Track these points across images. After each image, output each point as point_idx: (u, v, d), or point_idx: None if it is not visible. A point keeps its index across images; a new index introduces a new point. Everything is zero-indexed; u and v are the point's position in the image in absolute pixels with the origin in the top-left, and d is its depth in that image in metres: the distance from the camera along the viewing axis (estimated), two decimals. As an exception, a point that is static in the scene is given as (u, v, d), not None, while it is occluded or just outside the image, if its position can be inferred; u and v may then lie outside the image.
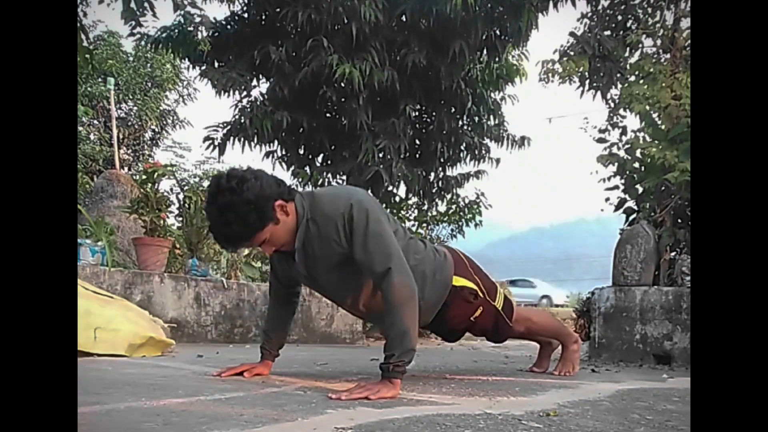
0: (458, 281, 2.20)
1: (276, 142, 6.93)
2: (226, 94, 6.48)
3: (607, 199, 4.47)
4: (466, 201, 7.68)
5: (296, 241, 1.88)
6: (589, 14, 5.99)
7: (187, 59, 6.83)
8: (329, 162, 7.00)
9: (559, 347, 2.73)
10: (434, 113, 7.06)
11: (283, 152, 7.05)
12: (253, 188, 1.77)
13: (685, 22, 5.01)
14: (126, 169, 11.07)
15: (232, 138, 6.55)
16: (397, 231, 2.00)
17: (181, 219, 5.64)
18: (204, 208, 1.88)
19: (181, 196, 6.13)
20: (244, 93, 6.70)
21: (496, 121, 7.60)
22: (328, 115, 6.78)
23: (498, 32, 6.50)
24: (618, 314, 3.61)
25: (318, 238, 1.88)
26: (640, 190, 4.18)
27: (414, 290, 1.82)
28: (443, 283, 2.14)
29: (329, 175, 6.88)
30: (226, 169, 1.90)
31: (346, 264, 1.90)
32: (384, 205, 7.16)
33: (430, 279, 2.09)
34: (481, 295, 2.23)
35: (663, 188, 4.00)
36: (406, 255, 1.96)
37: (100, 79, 11.36)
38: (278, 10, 6.07)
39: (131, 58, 12.33)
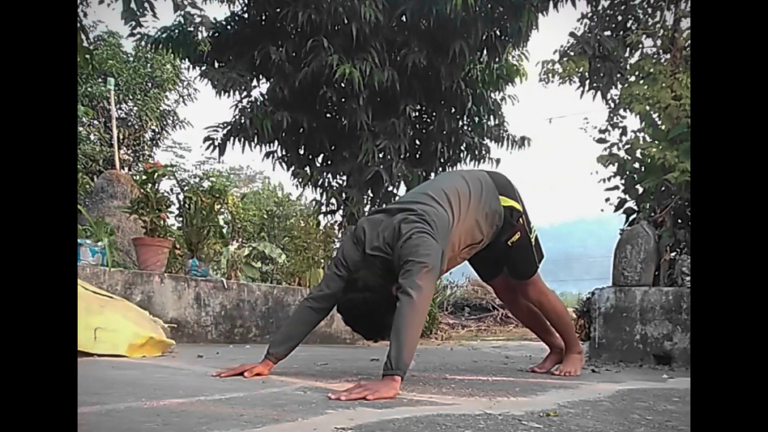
0: (506, 201, 2.29)
1: (276, 143, 6.92)
2: (226, 94, 6.48)
3: (607, 200, 4.47)
4: (466, 201, 7.67)
5: None
6: (589, 14, 5.98)
7: (187, 59, 6.83)
8: (329, 162, 7.00)
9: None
10: (434, 113, 7.06)
11: (284, 152, 7.05)
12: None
13: (685, 23, 5.01)
14: (126, 169, 11.06)
15: (232, 138, 6.54)
16: (449, 202, 2.12)
17: (181, 219, 5.64)
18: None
19: (181, 197, 6.12)
20: (244, 93, 6.70)
21: (496, 122, 7.60)
22: (328, 115, 6.78)
23: (498, 32, 6.50)
24: (618, 314, 3.60)
25: None
26: (640, 190, 4.18)
27: (429, 295, 1.89)
28: (498, 213, 2.26)
29: (329, 175, 6.88)
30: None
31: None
32: (384, 206, 7.14)
33: (491, 218, 2.24)
34: (521, 221, 2.33)
35: (663, 188, 4.00)
36: (466, 216, 2.15)
37: (100, 80, 11.34)
38: (278, 10, 6.07)
39: (131, 59, 12.31)
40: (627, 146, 4.41)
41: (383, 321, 1.88)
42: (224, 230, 5.78)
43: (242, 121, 6.41)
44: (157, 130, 13.00)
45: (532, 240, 2.39)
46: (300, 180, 6.96)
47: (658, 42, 5.21)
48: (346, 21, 5.83)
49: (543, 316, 2.70)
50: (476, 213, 2.19)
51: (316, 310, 2.18)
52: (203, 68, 6.56)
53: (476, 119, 7.45)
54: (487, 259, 2.45)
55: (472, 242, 2.22)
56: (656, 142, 4.07)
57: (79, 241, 3.93)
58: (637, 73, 4.93)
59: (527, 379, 2.40)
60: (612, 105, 5.65)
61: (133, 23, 5.03)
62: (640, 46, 5.35)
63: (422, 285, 1.82)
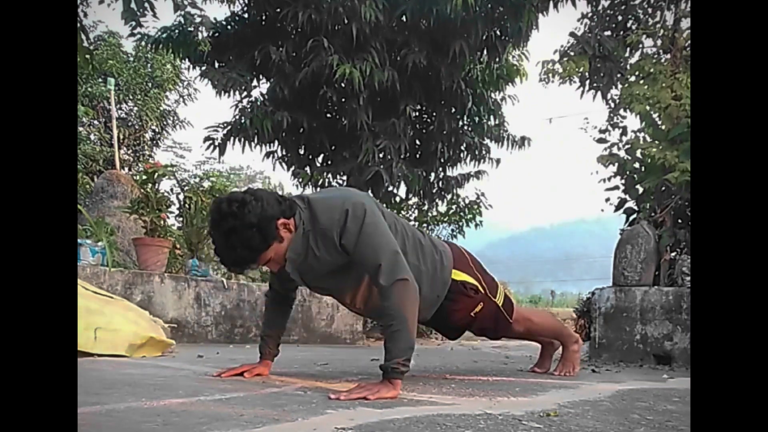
0: (459, 276, 2.20)
1: (276, 143, 6.93)
2: (227, 94, 6.48)
3: (608, 200, 4.47)
4: (467, 201, 7.69)
5: (288, 251, 1.88)
6: (590, 14, 5.99)
7: (187, 59, 6.83)
8: (329, 162, 7.00)
9: (560, 347, 2.73)
10: (434, 113, 7.06)
11: (284, 152, 7.05)
12: (254, 210, 1.78)
13: (685, 23, 5.02)
14: (126, 169, 11.05)
15: (232, 138, 6.55)
16: (396, 229, 2.00)
17: (181, 219, 5.64)
18: (208, 233, 1.90)
19: (181, 197, 6.12)
20: (245, 93, 6.70)
21: (497, 122, 7.60)
22: (328, 115, 6.78)
23: (498, 32, 6.51)
24: (618, 314, 3.60)
25: (314, 249, 1.90)
26: (641, 190, 4.18)
27: (413, 287, 1.82)
28: (443, 281, 2.15)
29: (329, 175, 6.88)
30: (227, 193, 1.92)
31: (341, 269, 1.94)
32: (384, 206, 7.16)
33: (430, 276, 2.10)
34: (482, 290, 2.24)
35: (663, 188, 4.00)
36: (407, 253, 1.97)
37: (100, 80, 11.34)
38: (278, 10, 6.07)
39: (131, 59, 12.30)
40: (627, 146, 4.41)
41: None
42: (224, 230, 5.76)
43: (242, 121, 6.41)
44: (157, 130, 12.99)
45: (500, 302, 2.31)
46: (300, 180, 6.96)
47: (658, 42, 5.22)
48: (346, 21, 5.83)
49: (534, 336, 2.70)
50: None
51: (275, 301, 2.23)
52: (203, 68, 6.57)
53: (476, 119, 7.45)
54: (452, 328, 2.39)
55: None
56: (656, 142, 4.07)
57: (79, 241, 3.93)
58: (637, 73, 4.93)
59: (527, 379, 2.40)
60: (612, 105, 5.65)
61: (133, 23, 5.03)
62: (640, 46, 5.35)
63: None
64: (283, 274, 2.11)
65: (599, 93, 5.85)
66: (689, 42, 4.78)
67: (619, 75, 5.70)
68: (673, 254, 3.79)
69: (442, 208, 7.71)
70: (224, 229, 1.79)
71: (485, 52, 6.69)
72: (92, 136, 11.63)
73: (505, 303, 2.35)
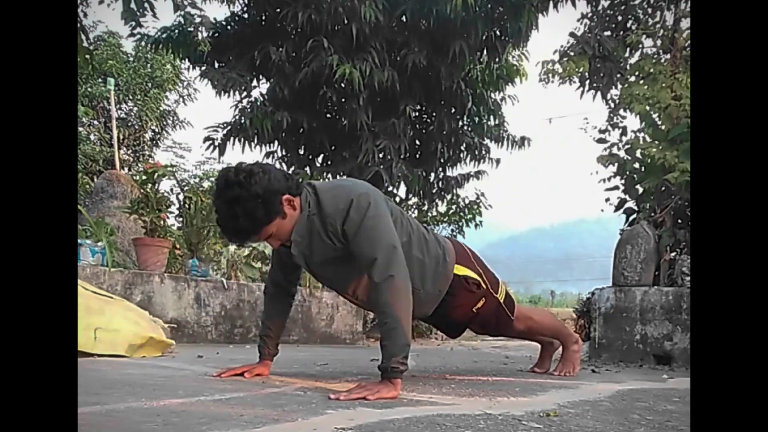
0: (461, 270, 2.19)
1: (276, 143, 6.93)
2: (226, 94, 6.49)
3: (608, 200, 4.47)
4: (466, 201, 7.70)
5: (293, 233, 1.89)
6: (589, 14, 6.00)
7: (187, 60, 6.84)
8: (329, 162, 7.00)
9: (560, 347, 2.73)
10: (434, 113, 7.07)
11: (284, 152, 7.06)
12: (261, 182, 1.79)
13: (685, 23, 5.02)
14: (126, 169, 11.06)
15: (232, 138, 6.55)
16: (401, 223, 2.00)
17: (181, 219, 5.64)
18: (212, 201, 1.89)
19: (181, 197, 6.12)
20: (244, 93, 6.71)
21: (496, 122, 7.61)
22: (328, 115, 6.78)
23: (498, 33, 6.51)
24: (618, 314, 3.60)
25: (318, 234, 1.90)
26: (640, 190, 4.18)
27: (406, 284, 1.80)
28: (445, 276, 2.14)
29: (329, 175, 6.89)
30: (235, 163, 1.92)
31: (344, 257, 1.93)
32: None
33: (433, 270, 2.10)
34: (483, 286, 2.23)
35: (663, 188, 4.00)
36: (410, 247, 1.98)
37: (100, 80, 11.34)
38: (278, 10, 6.08)
39: (131, 59, 12.31)
40: (627, 146, 4.41)
41: None
42: (224, 230, 5.76)
43: (242, 121, 6.42)
44: (157, 130, 13.00)
45: (501, 298, 2.31)
46: (300, 180, 6.96)
47: (658, 42, 5.22)
48: (346, 21, 5.83)
49: (534, 335, 2.69)
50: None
51: (275, 297, 2.21)
52: (203, 68, 6.57)
53: (476, 119, 7.46)
54: (453, 324, 2.38)
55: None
56: (656, 142, 4.07)
57: (79, 241, 3.93)
58: (637, 73, 4.94)
59: (527, 379, 2.40)
60: (612, 105, 5.66)
61: (133, 23, 5.04)
62: (640, 46, 5.36)
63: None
64: (286, 261, 2.10)
65: (599, 93, 5.86)
66: (689, 42, 4.79)
67: (618, 75, 5.71)
68: (673, 254, 3.79)
69: (442, 208, 7.72)
70: (228, 197, 1.79)
71: (485, 52, 6.70)
72: (92, 136, 11.63)
73: (507, 300, 2.35)
